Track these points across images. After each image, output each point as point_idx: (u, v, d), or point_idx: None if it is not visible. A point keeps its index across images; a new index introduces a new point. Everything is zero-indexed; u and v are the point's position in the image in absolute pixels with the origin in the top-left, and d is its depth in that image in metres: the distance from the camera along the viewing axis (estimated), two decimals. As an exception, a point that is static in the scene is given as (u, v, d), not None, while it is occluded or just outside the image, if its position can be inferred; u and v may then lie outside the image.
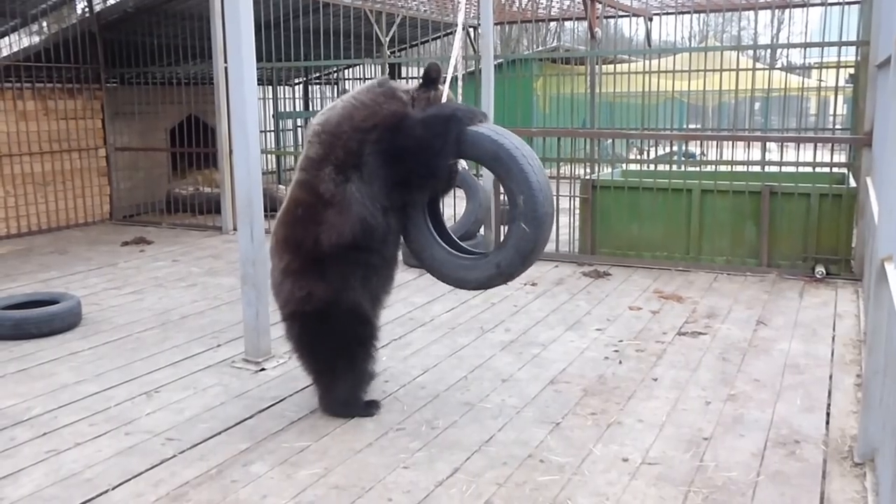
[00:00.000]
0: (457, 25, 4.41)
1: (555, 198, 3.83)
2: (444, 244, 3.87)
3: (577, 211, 7.75)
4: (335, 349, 3.83)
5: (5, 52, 10.05)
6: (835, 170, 7.76)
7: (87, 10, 10.19)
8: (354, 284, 3.75)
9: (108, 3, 10.18)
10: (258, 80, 4.66)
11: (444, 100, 3.86)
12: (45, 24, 10.39)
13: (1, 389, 4.42)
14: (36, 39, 10.34)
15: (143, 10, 9.95)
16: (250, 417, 3.98)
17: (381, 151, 3.62)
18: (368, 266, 3.78)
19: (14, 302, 5.67)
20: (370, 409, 4.00)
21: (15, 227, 9.42)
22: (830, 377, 4.46)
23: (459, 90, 4.20)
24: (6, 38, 10.13)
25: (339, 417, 3.94)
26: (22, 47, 10.03)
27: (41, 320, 5.36)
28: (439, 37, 13.91)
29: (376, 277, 3.87)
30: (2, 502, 3.16)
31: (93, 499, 3.19)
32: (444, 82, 3.98)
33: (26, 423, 3.93)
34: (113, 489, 3.26)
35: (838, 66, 8.74)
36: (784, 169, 7.72)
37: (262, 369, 4.67)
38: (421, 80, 3.87)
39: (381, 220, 3.68)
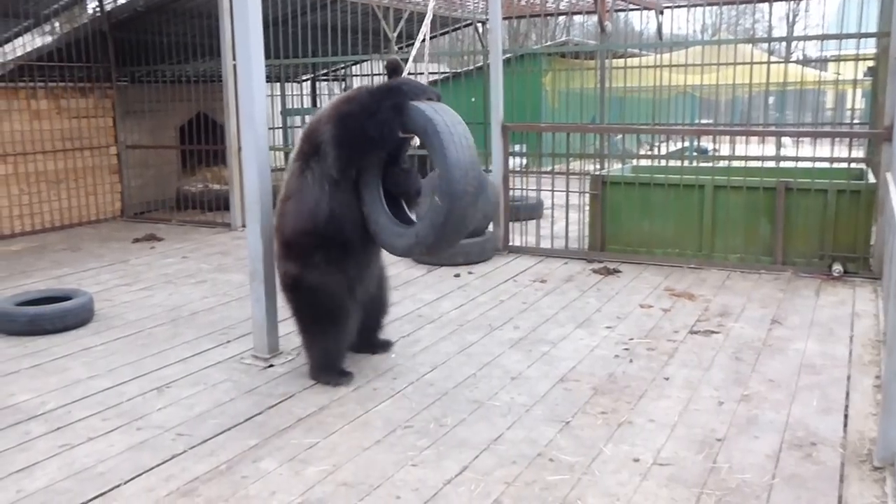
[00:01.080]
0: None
1: (482, 179, 4.13)
2: (389, 213, 4.21)
3: (587, 207, 7.70)
4: (308, 319, 4.42)
5: (19, 52, 10.09)
6: (853, 165, 7.65)
7: (97, 9, 10.22)
8: (318, 263, 4.24)
9: (119, 3, 10.21)
10: (266, 76, 4.67)
11: None
12: (57, 24, 10.43)
13: (16, 384, 4.47)
14: (48, 39, 10.38)
15: (153, 8, 9.98)
16: (259, 414, 3.98)
17: (333, 128, 4.07)
18: (329, 248, 4.22)
19: (29, 298, 5.73)
20: (340, 378, 4.39)
21: (29, 225, 9.49)
22: (848, 378, 4.39)
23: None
24: (20, 39, 10.17)
25: (318, 382, 4.36)
26: (35, 47, 10.06)
27: (55, 316, 5.42)
28: (447, 32, 13.89)
29: (343, 256, 4.27)
30: (18, 495, 3.19)
31: (105, 493, 3.21)
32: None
33: (40, 418, 3.98)
34: (125, 483, 3.28)
35: (857, 58, 8.64)
36: (800, 164, 7.62)
37: (271, 366, 4.68)
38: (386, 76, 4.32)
39: (327, 204, 4.13)
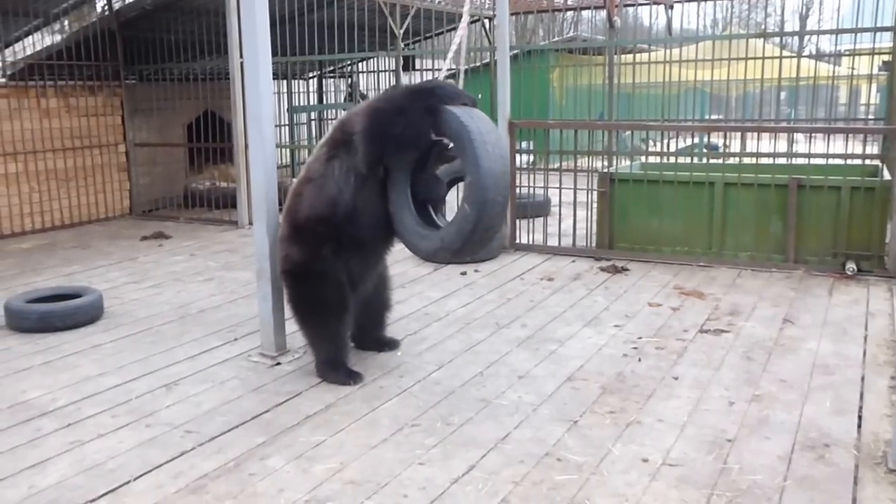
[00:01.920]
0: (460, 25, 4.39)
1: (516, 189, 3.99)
2: (415, 215, 4.13)
3: (595, 205, 7.66)
4: (308, 310, 4.38)
5: (29, 51, 10.13)
6: (867, 162, 7.58)
7: (106, 7, 10.25)
8: (326, 254, 4.20)
9: (127, 1, 10.23)
10: (273, 74, 4.66)
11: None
12: (66, 22, 10.47)
13: (27, 381, 4.49)
14: (58, 38, 10.42)
15: (161, 6, 9.98)
16: (267, 411, 3.98)
17: (366, 116, 4.04)
18: (339, 240, 4.18)
19: (39, 296, 5.76)
20: (349, 378, 4.32)
21: (39, 223, 9.52)
22: (862, 378, 4.34)
23: (461, 82, 4.19)
24: (29, 38, 10.22)
25: (326, 381, 4.33)
26: (44, 46, 10.11)
27: (65, 314, 5.45)
28: (454, 28, 13.83)
29: (351, 252, 4.25)
30: (30, 490, 3.21)
31: (115, 489, 3.23)
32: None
33: (51, 414, 4.00)
34: (134, 480, 3.29)
35: (872, 52, 8.54)
36: (812, 161, 7.55)
37: (278, 363, 4.67)
38: None
39: (350, 196, 4.09)
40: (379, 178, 4.14)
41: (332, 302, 4.31)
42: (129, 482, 3.28)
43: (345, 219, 4.13)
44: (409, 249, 4.27)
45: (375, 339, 4.85)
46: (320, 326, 4.40)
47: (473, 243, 3.93)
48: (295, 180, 4.40)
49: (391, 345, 4.89)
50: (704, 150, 11.50)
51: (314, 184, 4.19)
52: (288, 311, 4.60)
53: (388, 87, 4.20)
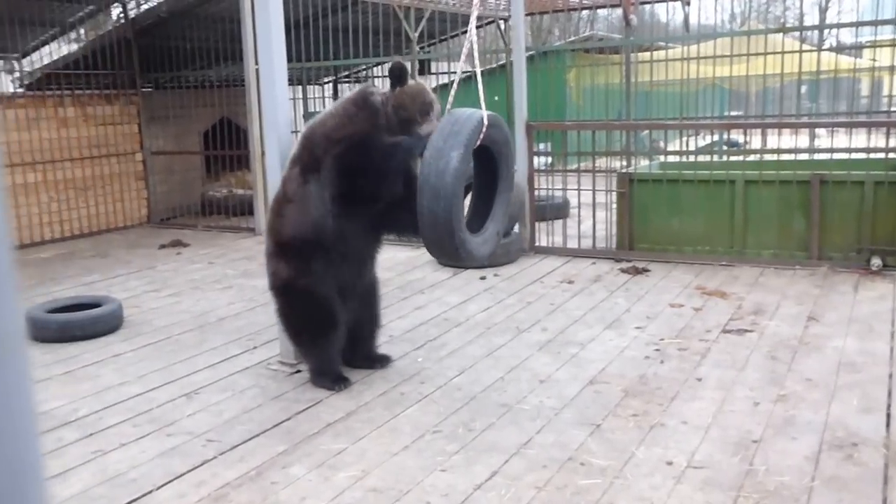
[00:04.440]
0: (469, 28, 4.34)
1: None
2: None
3: (614, 205, 7.59)
4: (299, 324, 4.39)
5: (46, 61, 10.22)
6: (891, 155, 7.45)
7: (122, 16, 10.32)
8: (315, 270, 4.20)
9: (143, 9, 10.30)
10: (288, 80, 4.65)
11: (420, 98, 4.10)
12: (82, 31, 10.55)
13: (48, 391, 4.50)
14: (74, 47, 10.51)
15: (176, 14, 10.04)
16: (287, 419, 3.97)
17: (337, 165, 4.01)
18: (327, 258, 4.17)
19: (59, 305, 5.78)
20: (337, 383, 4.33)
21: (59, 232, 9.59)
22: (890, 376, 4.26)
23: (481, 86, 4.14)
24: (46, 47, 10.31)
25: (317, 387, 4.33)
26: (61, 55, 10.19)
27: (85, 323, 5.47)
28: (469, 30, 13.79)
29: (340, 268, 4.24)
30: (53, 501, 3.22)
31: (138, 499, 3.23)
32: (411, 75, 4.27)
33: (73, 424, 4.01)
34: (157, 489, 3.30)
35: (894, 44, 8.41)
36: (835, 156, 7.44)
37: (298, 371, 4.66)
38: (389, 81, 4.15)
39: (332, 222, 4.08)
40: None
41: (323, 316, 4.28)
42: (151, 492, 3.28)
43: (331, 237, 4.12)
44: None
45: (366, 356, 4.70)
46: (312, 340, 4.39)
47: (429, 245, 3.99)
48: (273, 196, 4.35)
49: (383, 361, 4.71)
50: (725, 147, 11.38)
51: (295, 206, 4.17)
52: (281, 325, 4.58)
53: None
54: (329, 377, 4.36)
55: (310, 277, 4.21)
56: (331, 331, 4.31)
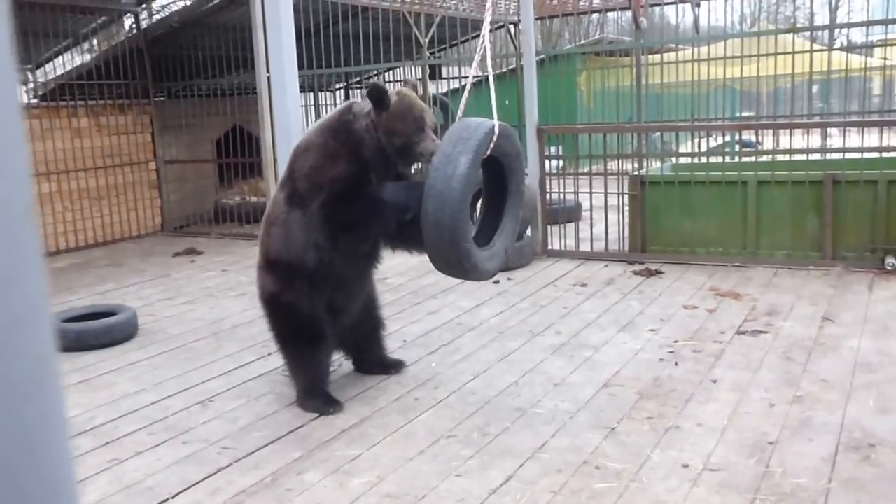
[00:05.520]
0: (483, 37, 4.31)
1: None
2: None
3: (626, 208, 7.58)
4: (285, 339, 4.26)
5: (59, 72, 10.31)
6: (904, 153, 7.41)
7: (134, 26, 10.39)
8: (301, 287, 4.06)
9: (155, 20, 10.37)
10: (300, 87, 4.67)
11: (420, 115, 3.89)
12: (95, 42, 10.63)
13: (65, 400, 4.51)
14: (87, 58, 10.59)
15: (188, 24, 10.10)
16: (302, 426, 3.98)
17: (321, 217, 3.89)
18: (313, 277, 4.03)
19: (74, 315, 5.82)
20: (328, 406, 4.15)
21: (73, 241, 9.66)
22: (905, 375, 4.24)
23: (493, 92, 4.10)
24: (59, 58, 10.39)
25: (304, 410, 4.16)
26: (74, 66, 10.27)
27: (101, 332, 5.50)
28: (479, 35, 13.82)
29: (327, 289, 4.11)
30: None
31: (155, 507, 3.24)
32: (415, 88, 4.16)
33: (90, 433, 4.03)
34: (173, 497, 3.31)
35: None
36: (847, 155, 7.40)
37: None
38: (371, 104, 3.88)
39: (316, 254, 3.96)
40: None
41: (307, 332, 4.16)
42: (167, 500, 3.29)
43: (316, 265, 3.98)
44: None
45: (378, 362, 4.68)
46: (297, 356, 4.26)
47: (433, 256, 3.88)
48: (265, 214, 4.24)
49: (396, 366, 4.69)
50: (740, 148, 11.33)
51: (279, 230, 4.05)
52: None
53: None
54: (320, 399, 4.18)
55: (295, 293, 4.08)
56: (316, 345, 4.18)
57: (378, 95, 3.84)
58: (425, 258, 4.04)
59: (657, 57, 11.99)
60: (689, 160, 9.56)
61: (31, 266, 0.47)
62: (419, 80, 11.06)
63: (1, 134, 0.45)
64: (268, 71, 5.29)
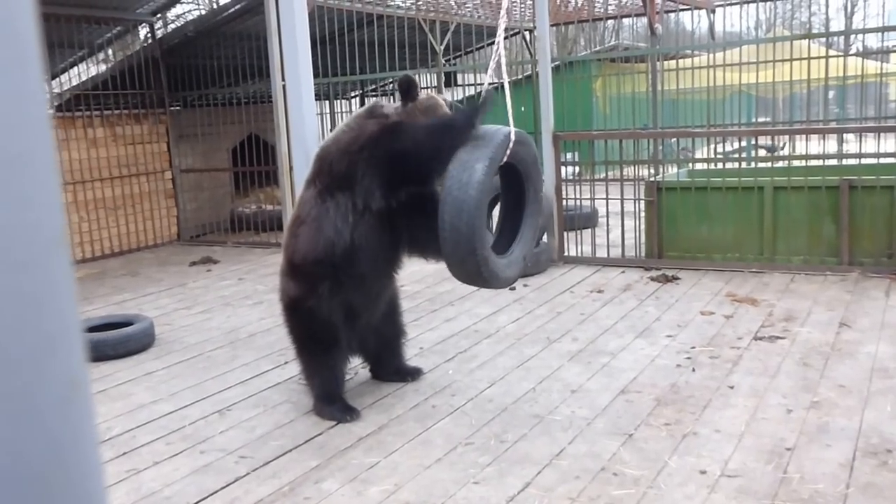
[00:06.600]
0: (497, 42, 4.32)
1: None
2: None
3: (643, 214, 7.56)
4: (302, 344, 4.29)
5: (75, 82, 10.40)
6: (921, 159, 7.37)
7: (149, 36, 10.48)
8: (322, 292, 4.08)
9: (170, 29, 10.46)
10: (315, 95, 4.70)
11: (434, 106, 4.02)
12: (110, 52, 10.73)
13: (81, 411, 4.54)
14: (103, 68, 10.69)
15: (203, 33, 10.18)
16: (319, 434, 3.98)
17: (375, 161, 3.87)
18: (337, 278, 4.05)
19: (91, 325, 5.85)
20: (344, 413, 4.15)
21: (89, 251, 9.72)
22: (924, 381, 4.20)
23: (509, 98, 4.11)
24: (75, 69, 10.50)
25: (321, 417, 4.16)
26: (90, 76, 10.36)
27: (118, 342, 5.52)
28: (494, 42, 13.83)
29: (351, 287, 4.11)
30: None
31: (172, 517, 3.24)
32: (429, 92, 4.18)
33: (107, 443, 4.04)
34: (191, 507, 3.31)
35: None
36: (864, 161, 7.36)
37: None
38: (399, 96, 4.09)
39: (349, 235, 3.95)
40: (379, 213, 3.99)
41: (324, 339, 4.18)
42: (185, 509, 3.30)
43: (343, 259, 3.99)
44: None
45: (396, 369, 4.69)
46: (314, 362, 4.28)
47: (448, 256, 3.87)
48: (289, 219, 4.30)
49: (413, 374, 4.70)
50: (762, 151, 11.26)
51: (308, 226, 4.05)
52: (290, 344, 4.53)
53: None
54: (337, 407, 4.19)
55: (317, 298, 4.10)
56: (331, 351, 4.21)
57: (408, 85, 4.01)
58: (442, 265, 4.05)
59: (673, 63, 11.96)
60: (705, 166, 9.51)
61: (63, 288, 0.48)
62: (434, 87, 11.09)
63: (36, 164, 0.46)
64: (283, 79, 5.32)
